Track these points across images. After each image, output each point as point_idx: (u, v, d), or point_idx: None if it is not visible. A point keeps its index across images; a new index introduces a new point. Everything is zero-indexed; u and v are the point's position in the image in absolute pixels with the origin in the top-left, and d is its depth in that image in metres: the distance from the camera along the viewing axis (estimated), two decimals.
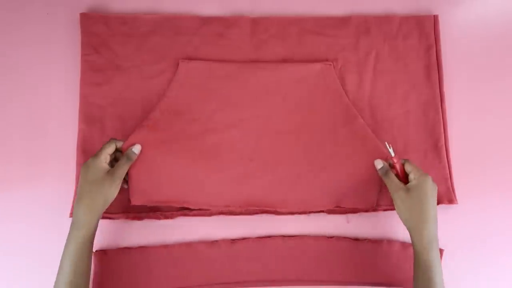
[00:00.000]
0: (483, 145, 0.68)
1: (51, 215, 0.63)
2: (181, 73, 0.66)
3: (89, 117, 0.65)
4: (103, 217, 0.62)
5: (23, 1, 0.69)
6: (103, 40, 0.66)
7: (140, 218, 0.63)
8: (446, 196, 0.65)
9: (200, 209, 0.63)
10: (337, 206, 0.64)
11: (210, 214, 0.64)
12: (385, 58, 0.68)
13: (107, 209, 0.58)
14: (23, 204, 0.64)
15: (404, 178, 0.58)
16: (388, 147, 0.59)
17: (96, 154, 0.57)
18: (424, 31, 0.69)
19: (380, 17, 0.69)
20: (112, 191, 0.56)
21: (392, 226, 0.65)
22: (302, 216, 0.65)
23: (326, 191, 0.64)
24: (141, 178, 0.61)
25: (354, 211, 0.65)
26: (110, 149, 0.58)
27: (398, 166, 0.58)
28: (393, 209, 0.63)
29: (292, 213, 0.65)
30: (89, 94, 0.65)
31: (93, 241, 0.56)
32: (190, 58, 0.67)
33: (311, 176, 0.64)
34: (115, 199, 0.57)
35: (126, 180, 0.61)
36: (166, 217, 0.63)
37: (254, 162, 0.64)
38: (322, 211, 0.64)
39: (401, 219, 0.57)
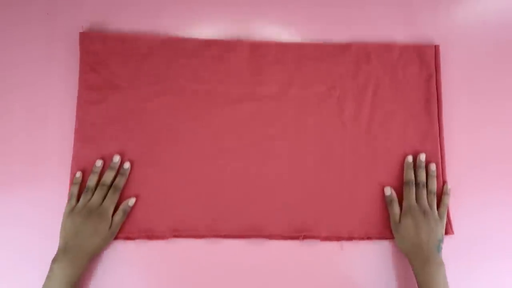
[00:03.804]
0: (482, 169, 0.68)
1: (50, 215, 0.63)
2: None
3: (85, 136, 0.64)
4: None
5: (22, 19, 0.69)
6: (101, 60, 0.66)
7: (132, 238, 0.63)
8: None
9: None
10: (335, 234, 0.64)
11: (203, 236, 0.64)
12: (385, 87, 0.68)
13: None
14: (22, 205, 0.64)
15: None
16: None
17: (101, 212, 0.60)
18: (425, 60, 0.69)
19: (380, 45, 0.70)
20: (104, 245, 0.61)
21: (387, 254, 0.65)
22: (296, 242, 0.64)
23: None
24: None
25: (349, 238, 0.64)
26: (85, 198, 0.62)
27: None
28: (387, 238, 0.64)
29: (285, 238, 0.64)
30: (86, 113, 0.65)
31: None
32: (189, 80, 0.67)
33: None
34: None
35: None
36: (158, 238, 0.63)
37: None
38: (317, 237, 0.64)
39: (399, 248, 0.62)
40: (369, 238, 0.64)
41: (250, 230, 0.63)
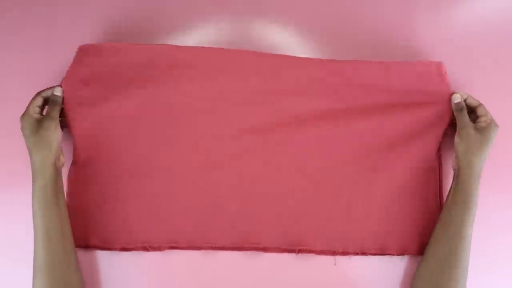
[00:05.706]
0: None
1: None
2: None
3: (79, 148, 0.64)
4: (87, 246, 0.63)
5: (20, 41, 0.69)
6: (95, 72, 0.64)
7: (128, 249, 0.63)
8: None
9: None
10: (329, 248, 0.64)
11: (200, 248, 0.64)
12: (386, 102, 0.66)
13: (92, 240, 0.62)
14: (22, 205, 0.62)
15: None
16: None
17: (24, 111, 0.60)
18: (423, 77, 0.66)
19: (381, 63, 0.67)
20: (51, 134, 0.59)
21: (381, 270, 0.65)
22: (291, 255, 0.65)
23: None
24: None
25: (343, 253, 0.64)
26: (36, 101, 0.60)
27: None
28: (382, 254, 0.64)
29: (281, 251, 0.64)
30: (79, 125, 0.63)
31: (59, 188, 0.59)
32: (184, 90, 0.65)
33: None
34: (99, 230, 0.62)
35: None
36: (154, 249, 0.63)
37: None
38: (312, 251, 0.64)
39: (457, 150, 0.63)
40: (363, 253, 0.64)
41: (246, 242, 0.64)
